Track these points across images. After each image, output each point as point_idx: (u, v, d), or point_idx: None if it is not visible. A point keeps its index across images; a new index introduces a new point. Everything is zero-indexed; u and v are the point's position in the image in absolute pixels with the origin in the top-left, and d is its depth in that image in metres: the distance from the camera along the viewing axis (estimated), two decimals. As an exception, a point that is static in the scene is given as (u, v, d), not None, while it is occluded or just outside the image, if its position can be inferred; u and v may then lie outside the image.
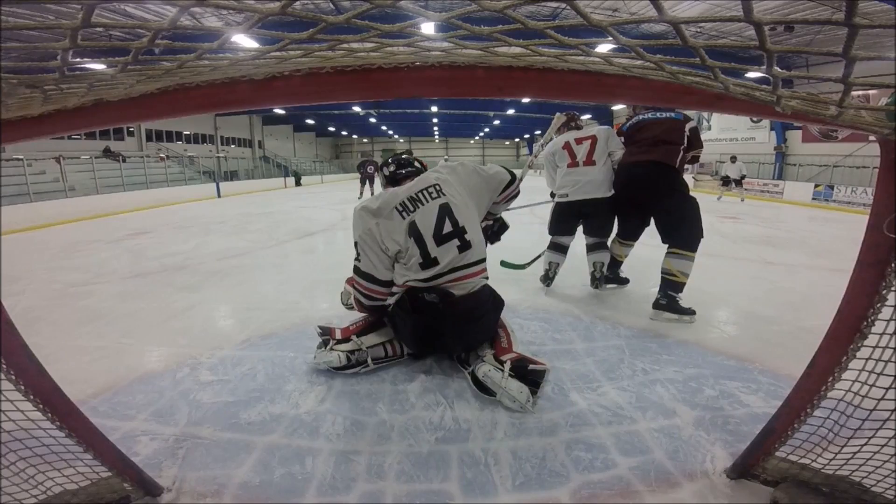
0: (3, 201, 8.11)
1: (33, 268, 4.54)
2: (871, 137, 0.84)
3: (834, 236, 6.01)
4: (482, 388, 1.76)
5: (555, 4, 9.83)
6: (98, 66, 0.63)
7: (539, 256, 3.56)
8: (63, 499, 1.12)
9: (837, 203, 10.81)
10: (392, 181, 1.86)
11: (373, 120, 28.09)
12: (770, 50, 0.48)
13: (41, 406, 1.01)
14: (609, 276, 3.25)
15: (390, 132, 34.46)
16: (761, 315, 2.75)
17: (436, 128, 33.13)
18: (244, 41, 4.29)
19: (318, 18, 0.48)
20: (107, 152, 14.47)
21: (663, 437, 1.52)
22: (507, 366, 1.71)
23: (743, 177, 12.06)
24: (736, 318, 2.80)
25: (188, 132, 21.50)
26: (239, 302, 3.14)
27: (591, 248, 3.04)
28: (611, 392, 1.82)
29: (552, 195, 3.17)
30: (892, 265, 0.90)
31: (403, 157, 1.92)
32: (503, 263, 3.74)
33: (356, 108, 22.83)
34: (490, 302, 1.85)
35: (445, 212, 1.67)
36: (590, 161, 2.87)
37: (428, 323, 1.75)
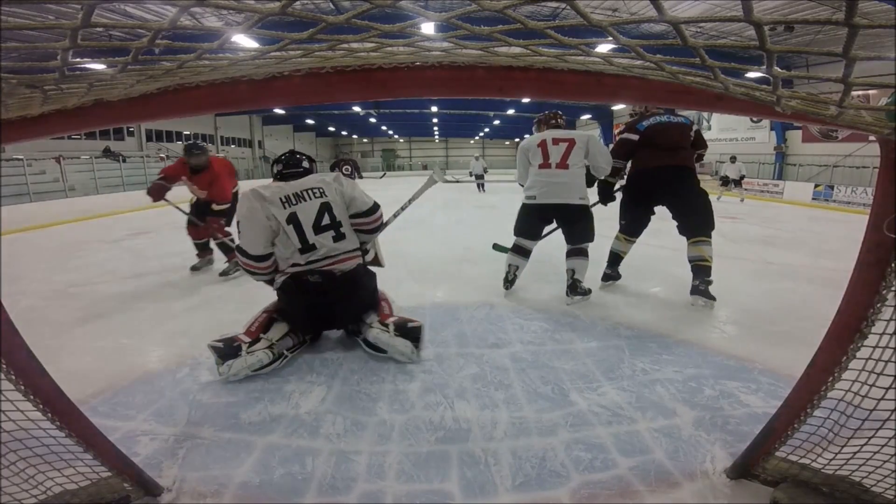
0: (3, 201, 8.11)
1: (33, 268, 4.54)
2: (871, 137, 0.84)
3: (834, 236, 6.01)
4: (374, 348, 2.08)
5: (555, 4, 9.83)
6: (98, 66, 0.63)
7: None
8: (63, 499, 1.12)
9: (837, 203, 10.81)
10: (280, 177, 2.09)
11: (373, 120, 28.09)
12: (770, 50, 0.48)
13: (41, 406, 1.01)
14: (607, 272, 3.32)
15: (390, 132, 34.45)
16: (761, 315, 2.75)
17: (436, 128, 33.12)
18: (244, 41, 4.28)
19: (318, 18, 0.48)
20: (107, 152, 14.46)
21: (663, 437, 1.52)
22: (391, 327, 2.03)
23: (742, 177, 12.04)
24: (736, 318, 2.80)
25: (188, 132, 21.48)
26: (239, 302, 3.14)
27: (568, 255, 2.99)
28: (611, 392, 1.82)
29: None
30: (892, 265, 0.90)
31: (294, 157, 2.15)
32: (495, 246, 3.82)
33: (356, 108, 22.83)
34: (365, 276, 2.15)
35: (326, 209, 1.97)
36: (563, 164, 2.84)
37: (315, 302, 2.01)
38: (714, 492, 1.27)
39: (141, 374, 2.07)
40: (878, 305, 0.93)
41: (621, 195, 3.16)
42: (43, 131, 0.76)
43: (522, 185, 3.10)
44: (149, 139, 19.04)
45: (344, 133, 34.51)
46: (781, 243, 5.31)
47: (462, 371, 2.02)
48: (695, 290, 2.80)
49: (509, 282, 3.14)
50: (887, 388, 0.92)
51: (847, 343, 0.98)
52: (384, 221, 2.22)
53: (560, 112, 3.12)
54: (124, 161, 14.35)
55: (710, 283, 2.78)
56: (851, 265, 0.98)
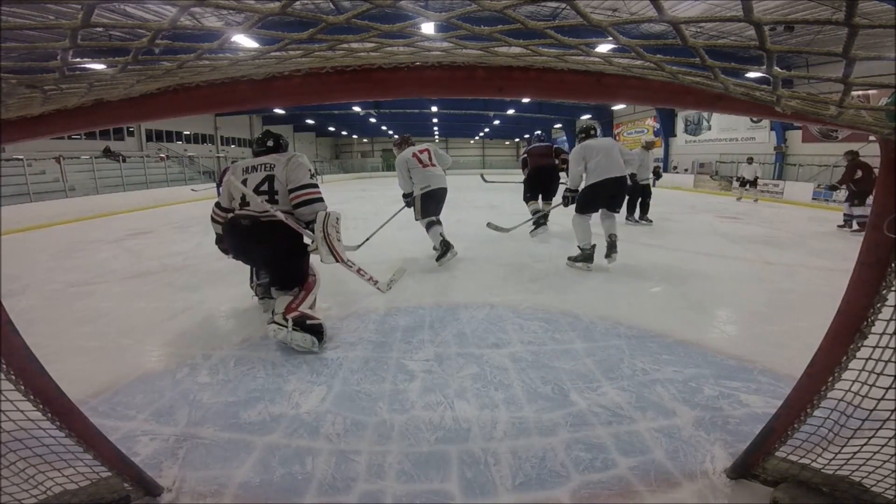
0: (3, 201, 8.10)
1: (33, 268, 4.54)
2: (871, 137, 0.84)
3: (834, 236, 6.01)
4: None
5: (555, 4, 9.83)
6: (98, 66, 0.63)
7: (523, 223, 5.26)
8: (63, 499, 1.12)
9: (837, 203, 10.78)
10: (254, 154, 2.68)
11: (373, 120, 28.07)
12: (770, 50, 0.48)
13: (41, 406, 1.01)
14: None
15: (390, 132, 34.40)
16: (761, 315, 2.75)
17: (436, 128, 33.11)
18: (244, 41, 4.28)
19: (318, 18, 0.48)
20: (107, 152, 14.45)
21: (663, 437, 1.52)
22: (290, 323, 2.27)
23: (756, 178, 12.07)
24: (736, 318, 2.80)
25: (188, 132, 21.48)
26: (239, 302, 3.14)
27: (433, 224, 4.22)
28: (611, 392, 1.82)
29: (405, 196, 4.28)
30: (892, 265, 0.90)
31: (262, 139, 2.65)
32: (489, 225, 5.13)
33: (356, 108, 22.81)
34: (288, 233, 2.40)
35: (268, 179, 2.43)
36: (432, 163, 4.14)
37: (244, 238, 2.44)
38: (714, 492, 1.27)
39: (141, 374, 2.07)
40: (878, 305, 0.93)
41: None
42: (43, 131, 0.76)
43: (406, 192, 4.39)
44: (149, 139, 19.03)
45: (344, 133, 34.48)
46: (781, 243, 5.31)
47: (462, 371, 2.02)
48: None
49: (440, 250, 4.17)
50: (887, 388, 0.92)
51: (847, 343, 0.98)
52: (317, 199, 2.46)
53: (409, 135, 4.43)
54: (124, 161, 14.33)
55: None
56: (851, 265, 0.98)
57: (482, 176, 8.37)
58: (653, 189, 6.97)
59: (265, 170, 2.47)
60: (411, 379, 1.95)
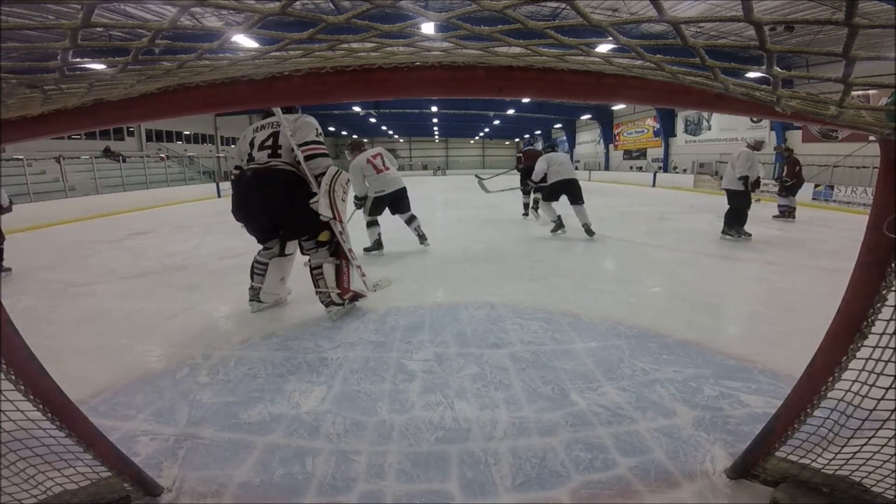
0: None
1: (33, 268, 4.54)
2: (871, 137, 0.84)
3: (834, 236, 6.01)
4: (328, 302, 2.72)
5: (555, 4, 9.83)
6: (98, 66, 0.63)
7: (507, 189, 7.72)
8: (63, 499, 1.12)
9: (837, 203, 10.79)
10: (263, 116, 2.82)
11: (373, 120, 28.05)
12: (770, 50, 0.48)
13: (41, 406, 1.01)
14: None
15: (390, 132, 34.41)
16: (761, 315, 2.75)
17: (436, 128, 33.09)
18: (244, 41, 4.28)
19: (318, 18, 0.48)
20: (107, 152, 14.45)
21: (663, 437, 1.52)
22: (347, 302, 2.74)
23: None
24: (736, 318, 2.80)
25: (188, 132, 21.48)
26: (239, 302, 3.14)
27: (374, 224, 4.67)
28: (611, 392, 1.82)
29: (357, 199, 4.56)
30: (892, 265, 0.90)
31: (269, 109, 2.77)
32: (477, 176, 7.70)
33: (356, 108, 22.79)
34: (294, 181, 2.53)
35: (273, 135, 2.56)
36: (386, 168, 4.49)
37: (248, 190, 2.57)
38: (714, 492, 1.27)
39: (141, 374, 2.07)
40: (878, 305, 0.93)
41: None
42: (43, 131, 0.76)
43: (359, 195, 4.67)
44: (149, 139, 19.03)
45: (344, 133, 34.46)
46: (781, 243, 5.31)
47: (462, 371, 2.02)
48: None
49: (375, 248, 4.65)
50: (887, 389, 0.92)
51: (847, 343, 0.98)
52: (324, 154, 2.58)
53: (363, 141, 4.79)
54: (124, 161, 14.34)
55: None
56: (851, 265, 0.98)
57: (478, 179, 7.68)
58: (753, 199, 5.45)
59: (271, 127, 2.59)
60: (411, 379, 1.95)
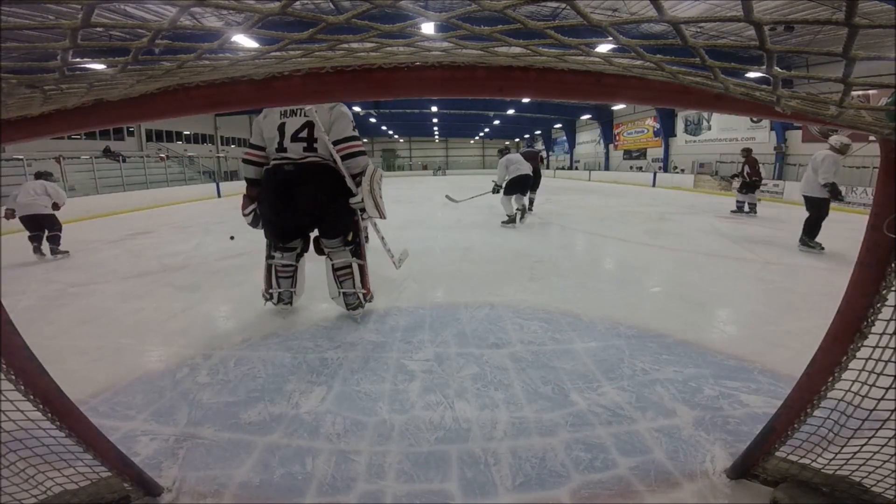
0: (4, 201, 8.10)
1: (33, 268, 4.54)
2: (871, 137, 0.84)
3: (834, 236, 6.01)
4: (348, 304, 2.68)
5: (555, 4, 9.83)
6: (98, 66, 0.63)
7: (475, 196, 7.60)
8: (63, 499, 1.12)
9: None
10: None
11: (373, 120, 28.04)
12: (770, 50, 0.48)
13: (41, 406, 1.01)
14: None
15: (390, 132, 34.39)
16: (761, 315, 2.75)
17: (436, 128, 33.09)
18: (244, 41, 4.28)
19: (318, 18, 0.48)
20: (107, 152, 14.46)
21: (663, 437, 1.52)
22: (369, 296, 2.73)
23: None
24: (736, 318, 2.80)
25: (188, 132, 21.48)
26: (239, 302, 3.14)
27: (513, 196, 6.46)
28: (611, 392, 1.82)
29: (497, 185, 6.50)
30: (892, 265, 0.90)
31: None
32: (448, 197, 7.82)
33: (356, 108, 22.78)
34: (335, 177, 2.42)
35: (307, 125, 2.38)
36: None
37: (285, 187, 2.40)
38: (714, 492, 1.27)
39: (141, 374, 2.07)
40: (878, 305, 0.93)
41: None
42: (43, 131, 0.76)
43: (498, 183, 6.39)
44: (149, 139, 19.03)
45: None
46: (781, 243, 5.31)
47: (462, 371, 2.02)
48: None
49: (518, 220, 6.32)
50: (887, 389, 0.92)
51: (847, 343, 0.98)
52: (362, 152, 2.45)
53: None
54: (124, 161, 14.34)
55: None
56: (851, 265, 0.98)
57: (448, 198, 7.87)
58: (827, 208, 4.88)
59: (304, 115, 2.38)
60: (411, 379, 1.95)
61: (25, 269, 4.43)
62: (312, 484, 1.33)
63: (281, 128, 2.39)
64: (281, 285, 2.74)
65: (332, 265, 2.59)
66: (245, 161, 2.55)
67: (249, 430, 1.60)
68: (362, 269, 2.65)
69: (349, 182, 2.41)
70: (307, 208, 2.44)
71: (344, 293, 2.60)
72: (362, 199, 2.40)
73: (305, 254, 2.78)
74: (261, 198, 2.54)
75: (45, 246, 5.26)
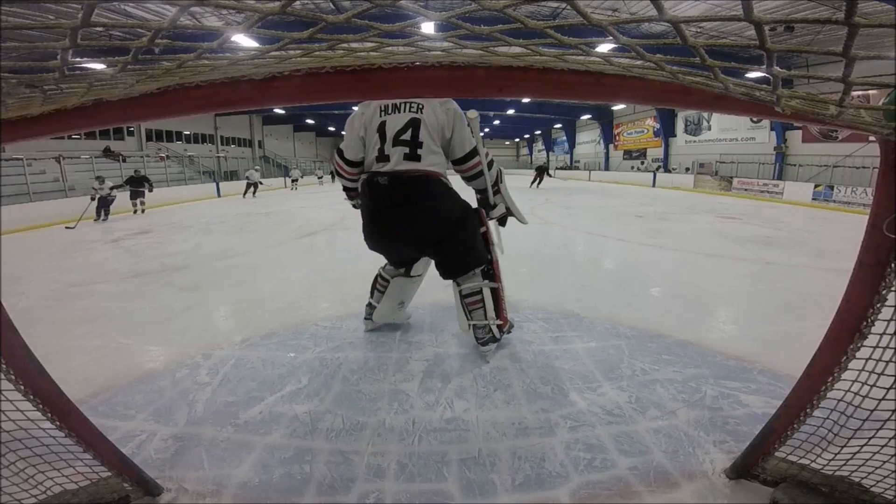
0: (3, 201, 8.12)
1: (33, 268, 4.54)
2: (871, 137, 0.84)
3: (834, 236, 6.01)
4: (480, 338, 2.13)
5: (555, 4, 9.83)
6: (98, 66, 0.63)
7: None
8: (63, 499, 1.12)
9: (837, 203, 10.81)
10: None
11: (373, 120, 28.06)
12: (770, 49, 0.48)
13: (41, 406, 1.01)
14: None
15: (390, 132, 34.41)
16: (761, 315, 2.75)
17: (436, 128, 33.10)
18: (244, 41, 4.29)
19: (318, 18, 0.48)
20: (107, 152, 14.47)
21: (663, 437, 1.52)
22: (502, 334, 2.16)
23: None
24: (736, 318, 2.80)
25: (188, 132, 21.49)
26: (238, 302, 3.14)
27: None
28: (610, 392, 1.82)
29: None
30: (892, 265, 0.90)
31: None
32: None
33: (356, 108, 22.80)
34: (444, 191, 1.92)
35: (413, 124, 1.85)
36: None
37: (381, 207, 1.92)
38: (714, 492, 1.27)
39: (140, 374, 2.06)
40: (878, 306, 0.93)
41: None
42: (43, 131, 0.76)
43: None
44: (149, 139, 19.04)
45: (343, 133, 34.52)
46: (781, 243, 5.31)
47: (462, 371, 2.02)
48: None
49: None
50: (888, 389, 0.92)
51: (847, 343, 0.98)
52: (486, 164, 2.00)
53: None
54: (124, 161, 14.34)
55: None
56: (851, 265, 0.98)
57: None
58: None
59: (411, 110, 1.87)
60: (411, 379, 1.95)
61: (25, 269, 4.43)
62: (312, 484, 1.33)
63: (381, 128, 1.88)
64: (374, 296, 2.38)
65: (460, 291, 2.07)
66: (337, 174, 2.14)
67: (249, 430, 1.60)
68: (496, 293, 2.08)
69: (489, 193, 1.97)
70: (410, 241, 1.97)
71: (474, 326, 2.08)
72: (505, 211, 1.98)
73: (420, 276, 2.37)
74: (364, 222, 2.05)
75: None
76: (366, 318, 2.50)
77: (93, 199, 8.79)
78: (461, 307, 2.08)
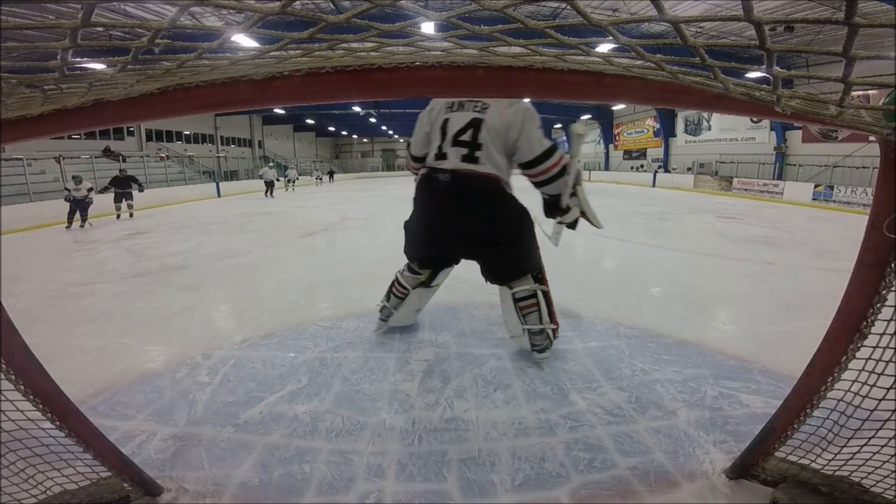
0: (3, 201, 8.11)
1: (33, 268, 4.54)
2: (871, 137, 0.84)
3: (834, 236, 6.01)
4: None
5: (555, 4, 9.83)
6: (98, 66, 0.63)
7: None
8: (63, 499, 1.12)
9: (837, 203, 10.81)
10: None
11: (373, 120, 28.04)
12: (770, 49, 0.48)
13: (41, 406, 1.01)
14: None
15: (390, 132, 34.40)
16: (761, 315, 2.75)
17: (436, 128, 33.09)
18: (244, 41, 4.29)
19: (318, 18, 0.48)
20: (107, 152, 14.47)
21: (663, 437, 1.52)
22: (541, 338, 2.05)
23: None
24: (736, 318, 2.80)
25: (188, 132, 21.48)
26: (238, 302, 3.14)
27: None
28: (610, 392, 1.82)
29: None
30: (892, 265, 0.90)
31: None
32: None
33: (356, 108, 22.79)
34: (502, 195, 1.84)
35: (474, 124, 1.78)
36: None
37: (439, 203, 1.87)
38: (714, 492, 1.27)
39: (140, 374, 2.06)
40: (878, 306, 0.93)
41: None
42: (43, 131, 0.76)
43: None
44: (149, 139, 19.03)
45: (344, 133, 34.47)
46: (781, 243, 5.31)
47: (462, 371, 2.02)
48: None
49: None
50: (888, 389, 0.92)
51: (847, 343, 0.98)
52: (563, 167, 1.84)
53: None
54: (124, 161, 14.33)
55: None
56: (851, 265, 0.98)
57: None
58: None
59: (475, 109, 1.82)
60: (411, 379, 1.95)
61: (25, 269, 4.43)
62: (312, 484, 1.33)
63: (444, 126, 1.85)
64: (390, 301, 2.36)
65: (513, 295, 2.00)
66: (408, 168, 2.16)
67: (249, 430, 1.60)
68: (547, 296, 2.04)
69: (562, 196, 1.84)
70: (465, 240, 1.91)
71: (529, 331, 2.01)
72: (578, 214, 1.86)
73: (438, 285, 2.36)
74: (415, 203, 2.03)
75: None
76: (381, 320, 2.46)
77: (67, 200, 7.72)
78: (514, 311, 2.01)
